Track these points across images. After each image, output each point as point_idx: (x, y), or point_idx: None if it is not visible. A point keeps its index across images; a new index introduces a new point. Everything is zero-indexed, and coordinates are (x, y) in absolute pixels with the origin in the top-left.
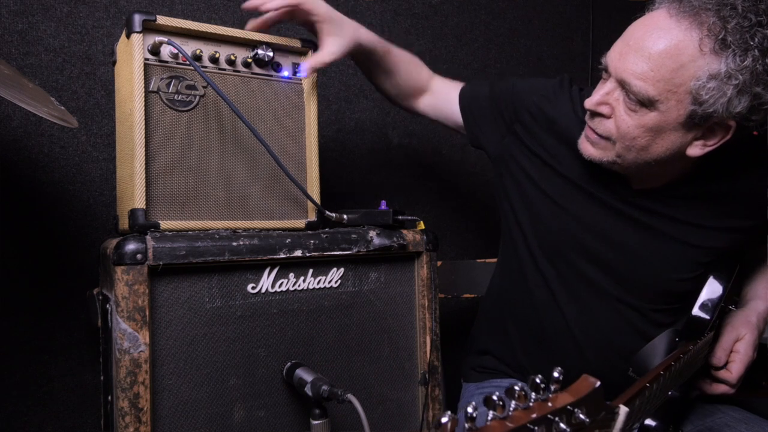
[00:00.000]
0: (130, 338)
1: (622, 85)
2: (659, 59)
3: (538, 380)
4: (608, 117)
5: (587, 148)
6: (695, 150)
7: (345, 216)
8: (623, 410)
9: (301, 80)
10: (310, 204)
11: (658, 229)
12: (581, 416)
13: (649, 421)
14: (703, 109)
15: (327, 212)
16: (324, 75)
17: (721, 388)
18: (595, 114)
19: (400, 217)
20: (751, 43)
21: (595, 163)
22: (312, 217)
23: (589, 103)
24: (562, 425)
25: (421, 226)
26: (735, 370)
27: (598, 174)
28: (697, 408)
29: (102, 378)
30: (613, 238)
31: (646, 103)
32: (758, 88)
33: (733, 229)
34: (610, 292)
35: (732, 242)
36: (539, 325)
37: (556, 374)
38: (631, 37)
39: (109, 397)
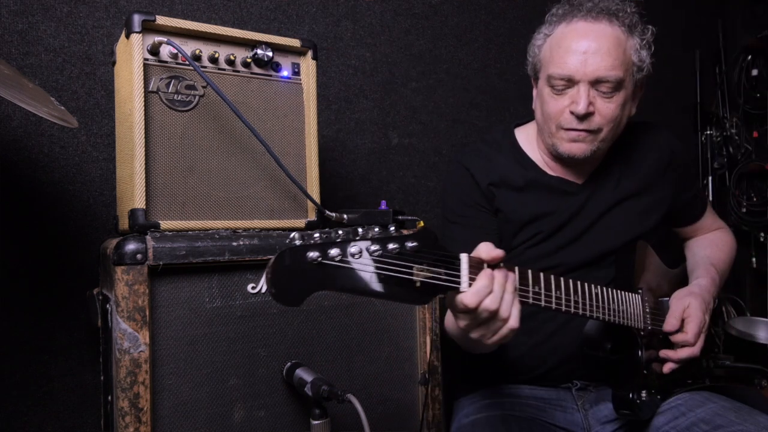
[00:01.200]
0: (130, 338)
1: (596, 82)
2: (614, 50)
3: (377, 229)
4: (593, 114)
5: (578, 147)
6: (633, 109)
7: (345, 216)
8: (464, 257)
9: (300, 80)
10: (310, 204)
11: (606, 203)
12: (411, 244)
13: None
14: (642, 73)
15: (327, 212)
16: (324, 75)
17: (684, 351)
18: (584, 116)
19: (400, 217)
20: (635, 19)
21: (533, 188)
22: (312, 216)
23: (581, 108)
24: (391, 245)
25: (421, 225)
26: (690, 330)
27: (541, 196)
28: (688, 400)
29: (102, 378)
30: (582, 233)
31: (618, 86)
32: (651, 46)
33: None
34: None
35: (662, 197)
36: (536, 326)
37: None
38: (578, 45)
39: (109, 397)
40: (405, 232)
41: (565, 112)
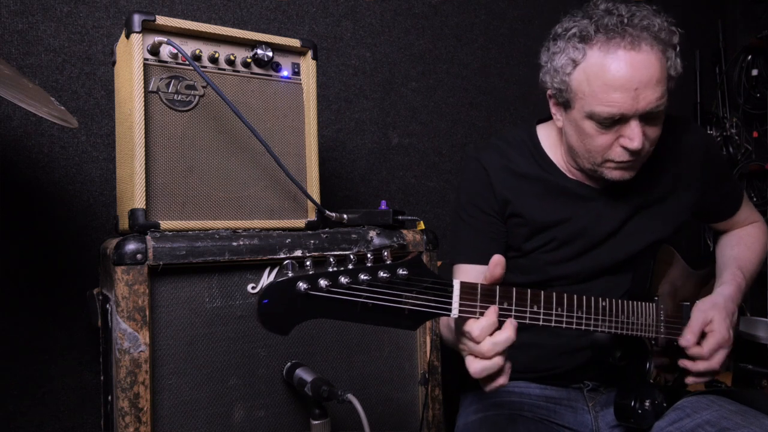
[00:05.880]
0: (130, 338)
1: (646, 115)
2: (661, 77)
3: (370, 255)
4: (643, 143)
5: (627, 173)
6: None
7: (345, 216)
8: (456, 282)
9: (300, 80)
10: (310, 204)
11: (628, 210)
12: (403, 272)
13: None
14: (674, 80)
15: (327, 212)
16: (324, 75)
17: (701, 365)
18: (638, 151)
19: (400, 217)
20: (664, 24)
21: (550, 192)
22: (312, 216)
23: (637, 145)
24: (382, 273)
25: (421, 225)
26: (706, 345)
27: (560, 202)
28: (694, 402)
29: (102, 378)
30: (606, 233)
31: (663, 109)
32: (678, 46)
33: (683, 186)
34: (619, 290)
35: (691, 198)
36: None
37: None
38: (629, 81)
39: (109, 397)
40: (397, 262)
41: (614, 146)
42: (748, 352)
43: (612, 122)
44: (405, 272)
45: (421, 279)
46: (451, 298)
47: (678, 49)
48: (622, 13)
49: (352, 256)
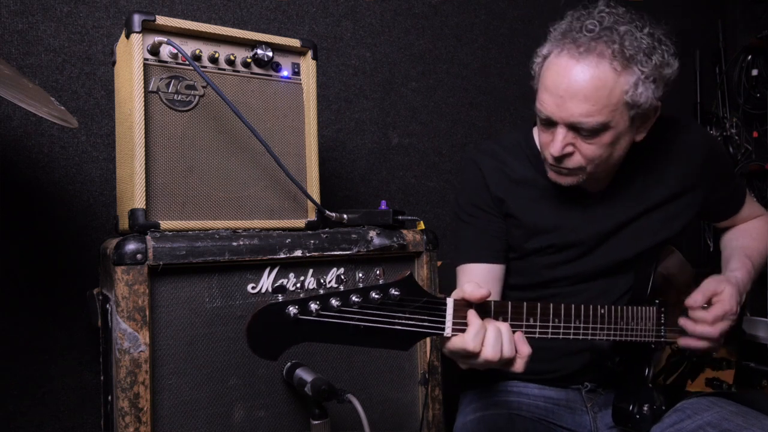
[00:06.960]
0: (130, 338)
1: (573, 126)
2: (594, 94)
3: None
4: (572, 153)
5: (561, 179)
6: (641, 135)
7: (345, 216)
8: (450, 301)
9: (300, 80)
10: (310, 204)
11: (627, 214)
12: (395, 292)
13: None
14: (640, 108)
15: (327, 212)
16: (324, 75)
17: (699, 328)
18: (560, 158)
19: (400, 217)
20: (644, 46)
21: (546, 196)
22: (312, 216)
23: (555, 151)
24: (374, 295)
25: (421, 226)
26: (712, 311)
27: (556, 206)
28: (694, 403)
29: (102, 378)
30: (598, 238)
31: (600, 129)
32: (666, 71)
33: (678, 189)
34: (618, 290)
35: (687, 204)
36: None
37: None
38: (556, 87)
39: (109, 397)
40: (388, 282)
41: (548, 146)
42: (749, 352)
43: (546, 122)
44: (397, 293)
45: (414, 299)
46: (444, 316)
47: (650, 75)
48: (596, 21)
49: (342, 276)
